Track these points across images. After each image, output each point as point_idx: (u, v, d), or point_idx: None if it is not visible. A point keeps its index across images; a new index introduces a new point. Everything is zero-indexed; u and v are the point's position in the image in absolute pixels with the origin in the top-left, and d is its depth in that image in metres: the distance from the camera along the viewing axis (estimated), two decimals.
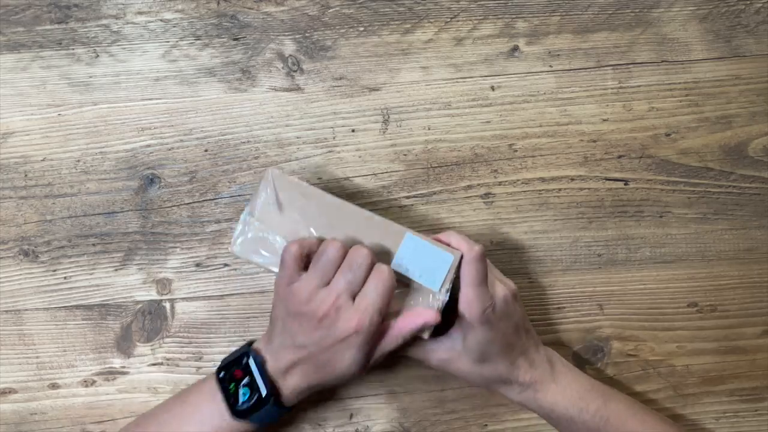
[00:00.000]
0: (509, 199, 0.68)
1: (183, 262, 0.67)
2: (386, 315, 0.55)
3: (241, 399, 0.56)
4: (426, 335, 0.56)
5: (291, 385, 0.56)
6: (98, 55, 0.66)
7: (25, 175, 0.66)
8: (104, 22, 0.66)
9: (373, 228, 0.57)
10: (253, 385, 0.56)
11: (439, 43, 0.67)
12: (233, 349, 0.67)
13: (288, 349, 0.56)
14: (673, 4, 0.68)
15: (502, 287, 0.58)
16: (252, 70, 0.67)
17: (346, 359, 0.54)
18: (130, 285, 0.67)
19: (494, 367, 0.58)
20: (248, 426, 0.57)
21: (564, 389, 0.60)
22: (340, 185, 0.67)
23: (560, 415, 0.60)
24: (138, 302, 0.67)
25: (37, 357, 0.67)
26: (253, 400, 0.56)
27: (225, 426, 0.57)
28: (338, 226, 0.57)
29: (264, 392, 0.56)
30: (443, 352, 0.59)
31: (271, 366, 0.56)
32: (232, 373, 0.57)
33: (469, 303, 0.56)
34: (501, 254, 0.68)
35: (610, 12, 0.68)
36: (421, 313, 0.55)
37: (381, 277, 0.54)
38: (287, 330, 0.55)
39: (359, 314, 0.53)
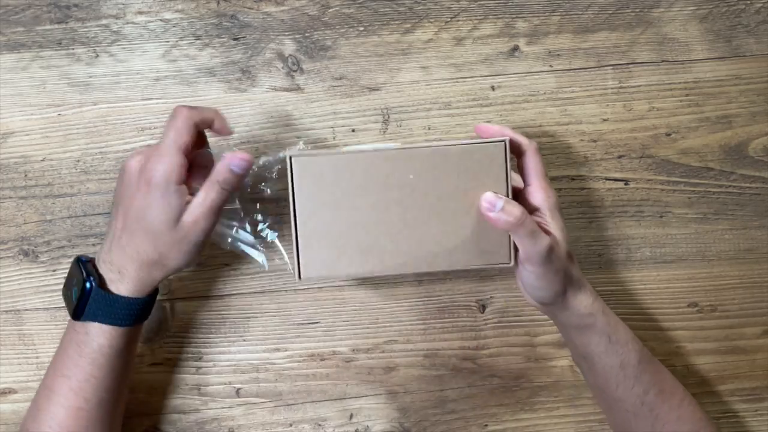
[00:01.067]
0: None
1: None
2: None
3: (73, 299, 0.56)
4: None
5: (116, 263, 0.55)
6: (98, 55, 0.66)
7: (25, 175, 0.66)
8: (104, 22, 0.66)
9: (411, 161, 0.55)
10: (79, 283, 0.55)
11: (439, 43, 0.67)
12: (233, 348, 0.68)
13: (109, 234, 0.56)
14: (674, 4, 0.68)
15: None
16: (252, 70, 0.67)
17: (154, 206, 0.53)
18: None
19: (574, 265, 0.58)
20: (97, 330, 0.55)
21: (614, 316, 0.61)
22: None
23: (620, 337, 0.60)
24: None
25: (37, 357, 0.67)
26: (79, 293, 0.55)
27: (76, 336, 0.56)
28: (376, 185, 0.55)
29: (87, 284, 0.54)
30: (540, 246, 0.55)
31: (97, 259, 0.56)
32: (70, 282, 0.57)
33: (545, 190, 0.57)
34: None
35: (611, 12, 0.68)
36: (236, 154, 0.54)
37: (175, 116, 0.54)
38: (113, 221, 0.56)
39: (152, 154, 0.53)
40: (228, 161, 0.54)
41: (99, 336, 0.55)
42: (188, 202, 0.53)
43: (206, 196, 0.53)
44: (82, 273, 0.55)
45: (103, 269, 0.55)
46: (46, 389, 0.57)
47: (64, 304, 0.66)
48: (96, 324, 0.55)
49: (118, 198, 0.56)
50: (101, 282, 0.55)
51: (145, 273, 0.55)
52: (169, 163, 0.52)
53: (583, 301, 0.58)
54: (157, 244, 0.54)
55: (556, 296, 0.58)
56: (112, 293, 0.55)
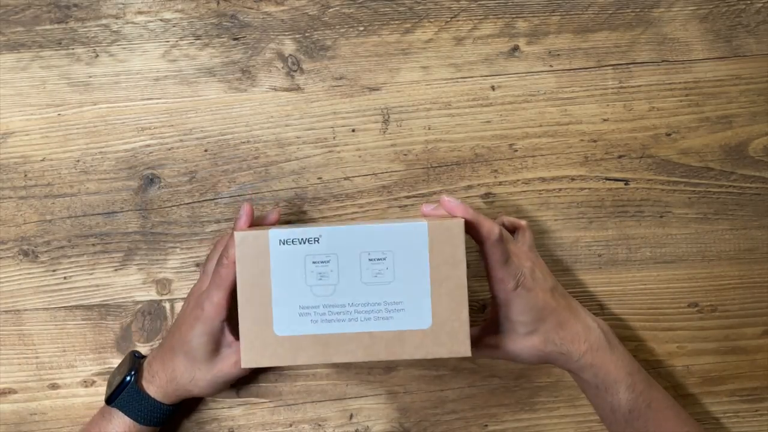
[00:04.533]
0: (509, 199, 0.68)
1: (183, 262, 0.67)
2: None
3: (114, 385, 0.61)
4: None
5: (154, 368, 0.60)
6: (98, 55, 0.66)
7: (25, 175, 0.66)
8: (104, 21, 0.66)
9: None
10: (123, 373, 0.61)
11: (439, 43, 0.67)
12: None
13: (164, 339, 0.62)
14: (674, 4, 0.68)
15: (524, 258, 0.59)
16: (252, 69, 0.67)
17: (197, 334, 0.58)
18: (130, 285, 0.67)
19: (546, 337, 0.59)
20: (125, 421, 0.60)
21: (617, 361, 0.60)
22: (340, 185, 0.67)
23: (608, 387, 0.60)
24: (138, 302, 0.67)
25: (37, 357, 0.67)
26: (119, 382, 0.60)
27: (101, 421, 0.61)
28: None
29: (128, 377, 0.60)
30: (491, 339, 0.60)
31: (149, 356, 0.63)
32: (119, 369, 0.64)
33: (501, 280, 0.57)
34: None
35: (611, 12, 0.68)
36: None
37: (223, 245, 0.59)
38: (172, 328, 0.62)
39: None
40: None
41: (118, 426, 0.60)
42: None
43: None
44: (130, 366, 0.61)
45: (145, 367, 0.61)
46: None
47: (66, 306, 0.66)
48: (120, 414, 0.60)
49: (182, 311, 0.62)
50: (138, 377, 0.61)
51: (171, 389, 0.60)
52: (218, 298, 0.57)
53: (568, 362, 0.60)
54: (194, 369, 0.59)
55: (537, 363, 0.61)
56: (143, 391, 0.60)
